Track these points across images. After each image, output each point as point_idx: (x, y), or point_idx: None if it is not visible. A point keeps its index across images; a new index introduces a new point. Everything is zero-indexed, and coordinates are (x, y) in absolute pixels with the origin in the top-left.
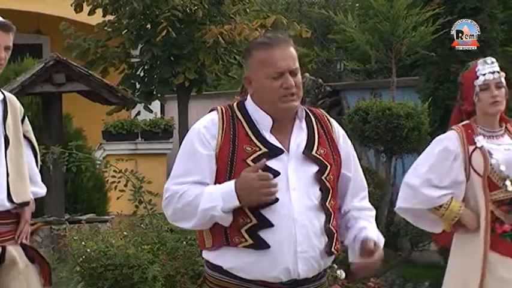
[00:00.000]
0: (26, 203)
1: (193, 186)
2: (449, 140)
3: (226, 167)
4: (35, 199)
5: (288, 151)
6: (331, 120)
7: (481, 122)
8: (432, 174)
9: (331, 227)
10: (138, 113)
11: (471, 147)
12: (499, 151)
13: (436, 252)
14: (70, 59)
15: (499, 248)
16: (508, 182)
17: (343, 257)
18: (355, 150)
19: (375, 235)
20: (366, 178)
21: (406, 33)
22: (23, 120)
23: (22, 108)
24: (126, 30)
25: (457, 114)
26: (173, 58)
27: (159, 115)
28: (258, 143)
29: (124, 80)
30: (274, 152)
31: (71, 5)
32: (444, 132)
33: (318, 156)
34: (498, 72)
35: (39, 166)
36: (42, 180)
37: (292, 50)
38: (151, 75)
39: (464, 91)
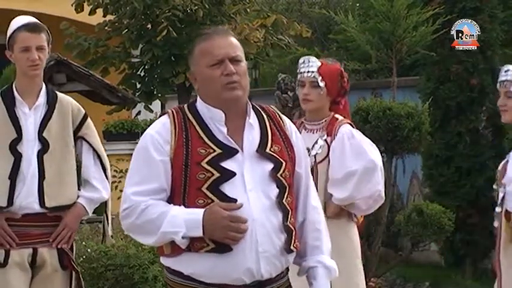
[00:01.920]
0: (63, 207)
1: (155, 202)
2: None
3: (181, 171)
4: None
5: (242, 150)
6: (283, 117)
7: None
8: None
9: (289, 225)
10: (139, 113)
11: None
12: None
13: (437, 252)
14: (70, 58)
15: None
16: None
17: None
18: None
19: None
20: None
21: (407, 33)
22: (82, 123)
23: (82, 110)
24: (126, 30)
25: None
26: (174, 58)
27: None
28: (211, 145)
29: (124, 79)
30: (229, 153)
31: (72, 5)
32: (444, 131)
33: (272, 153)
34: (510, 81)
35: (106, 170)
36: None
37: (234, 39)
38: (151, 75)
39: None
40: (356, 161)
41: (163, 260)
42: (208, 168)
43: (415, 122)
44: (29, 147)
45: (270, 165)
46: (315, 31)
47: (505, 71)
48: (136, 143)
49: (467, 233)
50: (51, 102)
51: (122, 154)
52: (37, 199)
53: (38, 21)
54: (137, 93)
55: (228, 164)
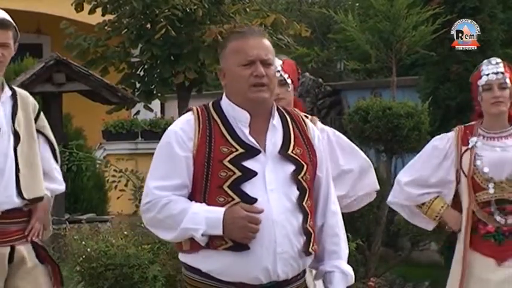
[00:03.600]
0: (38, 199)
1: (177, 197)
2: (440, 139)
3: (203, 168)
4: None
5: (265, 151)
6: (306, 120)
7: (486, 122)
8: (419, 172)
9: (309, 227)
10: (138, 112)
11: (464, 148)
12: (492, 152)
13: (436, 252)
14: (70, 58)
15: (481, 248)
16: (490, 184)
17: None
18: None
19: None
20: None
21: (406, 33)
22: (38, 116)
23: (36, 104)
24: (126, 30)
25: (475, 114)
26: (173, 57)
27: (159, 114)
28: (234, 144)
29: (124, 79)
30: (251, 152)
31: (71, 5)
32: (443, 131)
33: (294, 155)
34: (502, 73)
35: (59, 162)
36: None
37: (267, 42)
38: (151, 75)
39: (473, 91)
40: (350, 160)
41: (182, 257)
42: (230, 166)
43: (414, 121)
44: (5, 140)
45: (291, 167)
46: (315, 30)
47: (496, 63)
48: (136, 142)
49: None
50: (14, 96)
51: (121, 154)
52: (16, 192)
53: (7, 18)
54: (137, 93)
55: (249, 164)
